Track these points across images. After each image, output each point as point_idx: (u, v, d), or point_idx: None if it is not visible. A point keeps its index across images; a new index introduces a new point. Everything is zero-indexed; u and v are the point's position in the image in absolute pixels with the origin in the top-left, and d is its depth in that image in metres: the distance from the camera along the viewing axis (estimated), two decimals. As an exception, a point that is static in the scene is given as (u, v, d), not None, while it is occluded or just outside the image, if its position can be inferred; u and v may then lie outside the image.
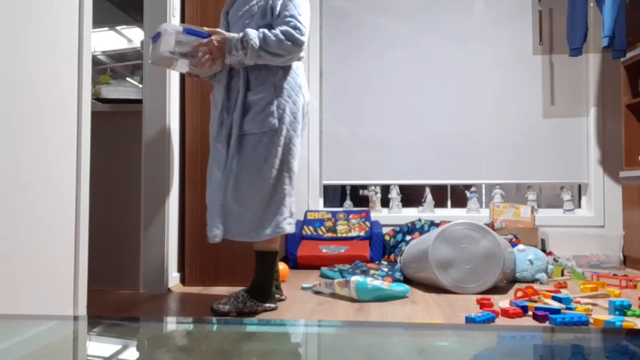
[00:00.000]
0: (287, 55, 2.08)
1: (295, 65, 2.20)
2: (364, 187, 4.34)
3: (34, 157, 1.54)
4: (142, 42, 2.96)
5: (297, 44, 2.07)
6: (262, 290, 2.14)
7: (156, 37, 2.08)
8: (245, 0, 2.21)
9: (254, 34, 2.04)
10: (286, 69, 2.16)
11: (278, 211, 2.10)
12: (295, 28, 2.06)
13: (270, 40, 2.03)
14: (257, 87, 2.12)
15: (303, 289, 2.66)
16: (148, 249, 2.60)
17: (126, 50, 5.00)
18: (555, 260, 3.15)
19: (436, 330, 0.75)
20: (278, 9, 2.11)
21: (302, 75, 2.22)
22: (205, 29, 2.08)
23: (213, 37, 2.05)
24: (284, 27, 2.06)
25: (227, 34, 2.06)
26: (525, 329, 0.77)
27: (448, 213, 3.99)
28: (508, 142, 3.93)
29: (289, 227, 2.12)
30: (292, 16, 2.08)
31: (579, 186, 3.99)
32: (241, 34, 2.05)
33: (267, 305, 2.14)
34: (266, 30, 2.05)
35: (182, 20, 2.81)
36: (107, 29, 4.85)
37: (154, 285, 2.59)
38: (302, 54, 2.18)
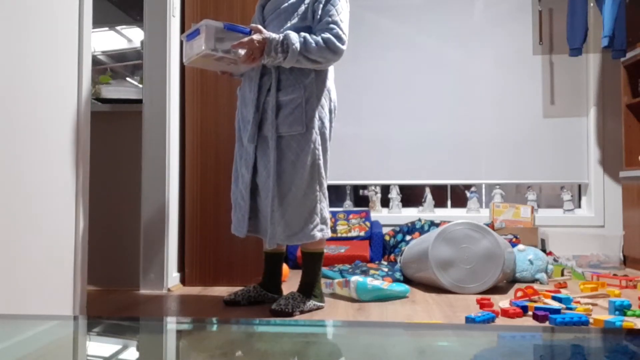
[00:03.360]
0: (325, 63, 2.03)
1: (328, 68, 2.15)
2: (364, 187, 4.34)
3: (34, 157, 1.54)
4: (142, 42, 2.97)
5: (338, 53, 2.01)
6: (314, 289, 2.17)
7: (192, 35, 2.01)
8: None
9: (295, 38, 1.97)
10: (318, 72, 2.11)
11: (309, 218, 2.08)
12: (337, 36, 2.01)
13: (312, 47, 1.98)
14: (288, 88, 2.08)
15: (303, 289, 2.66)
16: (148, 249, 2.60)
17: (126, 50, 5.00)
18: (555, 260, 3.15)
19: (436, 330, 0.75)
20: (320, 13, 2.05)
21: (332, 78, 2.18)
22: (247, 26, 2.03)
23: (254, 36, 1.97)
24: (326, 35, 2.00)
25: (268, 34, 1.98)
26: (525, 329, 0.77)
27: (448, 213, 3.99)
28: (508, 142, 3.93)
29: (319, 234, 2.09)
30: (335, 23, 2.02)
31: (579, 186, 3.99)
32: (281, 36, 1.98)
33: (318, 303, 2.17)
34: (307, 36, 1.99)
35: (182, 20, 2.81)
36: (107, 29, 4.85)
37: (154, 285, 2.59)
38: None
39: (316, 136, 2.08)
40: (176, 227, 2.73)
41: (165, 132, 2.63)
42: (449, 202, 4.08)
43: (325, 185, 2.13)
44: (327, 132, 2.14)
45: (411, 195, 4.24)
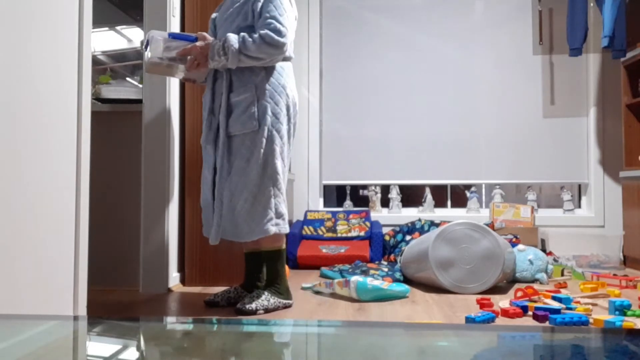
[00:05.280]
0: (269, 58, 2.08)
1: (280, 65, 2.19)
2: (364, 187, 4.34)
3: (34, 157, 1.54)
4: (142, 42, 2.97)
5: (278, 46, 2.06)
6: (279, 287, 2.18)
7: (146, 46, 2.12)
8: (231, 3, 2.23)
9: (234, 39, 2.05)
10: (269, 70, 2.16)
11: (263, 213, 2.11)
12: (275, 30, 2.06)
13: (250, 44, 2.04)
14: (239, 89, 2.14)
15: (303, 289, 2.66)
16: (148, 249, 2.60)
17: (126, 50, 5.01)
18: (555, 260, 3.15)
19: (436, 330, 0.75)
20: (259, 10, 2.12)
21: (287, 76, 2.21)
22: (193, 33, 2.14)
23: (197, 43, 2.08)
24: (264, 30, 2.06)
25: (211, 39, 2.08)
26: (525, 329, 0.77)
27: (448, 213, 3.99)
28: (508, 142, 3.93)
29: (274, 229, 2.11)
30: (273, 17, 2.08)
31: (579, 186, 3.99)
32: (222, 40, 2.06)
33: (285, 301, 2.19)
34: (246, 35, 2.06)
35: (182, 20, 2.81)
36: (107, 29, 4.85)
37: (154, 285, 2.59)
38: (292, 53, 2.20)
39: (269, 133, 2.12)
40: (176, 227, 2.73)
41: (165, 132, 2.63)
42: (449, 202, 4.08)
43: (280, 181, 2.16)
44: (284, 128, 2.17)
45: (411, 195, 4.25)
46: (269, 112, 2.12)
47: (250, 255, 2.32)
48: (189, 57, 2.09)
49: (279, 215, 2.14)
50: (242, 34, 2.07)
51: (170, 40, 2.08)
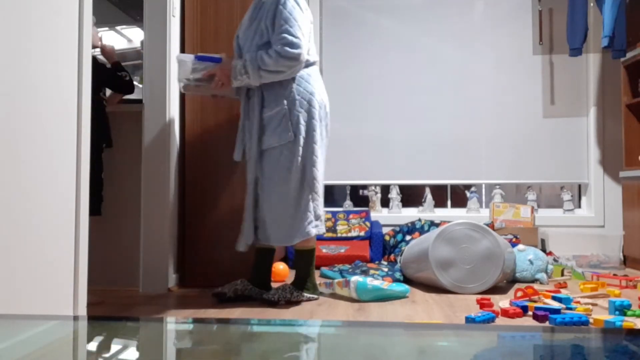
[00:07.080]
0: (289, 70, 2.18)
1: (306, 72, 2.28)
2: (364, 187, 4.34)
3: (34, 157, 1.54)
4: (142, 42, 2.97)
5: (294, 58, 2.16)
6: (305, 282, 2.32)
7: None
8: (249, 22, 2.33)
9: (253, 58, 2.17)
10: (296, 80, 2.26)
11: (304, 217, 2.24)
12: (288, 44, 2.16)
13: (267, 60, 2.15)
14: (271, 104, 2.25)
15: (303, 289, 2.66)
16: (148, 249, 2.60)
17: (126, 50, 5.00)
18: (555, 260, 3.15)
19: (436, 330, 0.75)
20: (272, 26, 2.22)
21: (314, 80, 2.31)
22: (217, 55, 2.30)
23: (219, 66, 2.22)
24: (279, 46, 2.17)
25: (233, 61, 2.21)
26: (525, 329, 0.77)
27: (448, 213, 3.99)
28: (508, 142, 3.93)
29: (314, 230, 2.26)
30: (285, 31, 2.18)
31: (579, 186, 3.99)
32: (243, 60, 2.19)
33: (310, 295, 2.32)
34: (263, 52, 2.18)
35: (182, 20, 2.81)
36: (107, 29, 4.85)
37: (154, 285, 2.59)
38: (315, 57, 2.30)
39: (305, 142, 2.24)
40: (176, 227, 2.73)
41: (165, 132, 2.63)
42: (449, 202, 4.08)
43: (317, 185, 2.28)
44: (317, 134, 2.27)
45: (411, 195, 4.24)
46: (302, 122, 2.23)
47: (263, 250, 2.40)
48: (215, 79, 2.23)
49: (317, 217, 2.28)
50: (259, 52, 2.19)
51: (196, 62, 2.23)
